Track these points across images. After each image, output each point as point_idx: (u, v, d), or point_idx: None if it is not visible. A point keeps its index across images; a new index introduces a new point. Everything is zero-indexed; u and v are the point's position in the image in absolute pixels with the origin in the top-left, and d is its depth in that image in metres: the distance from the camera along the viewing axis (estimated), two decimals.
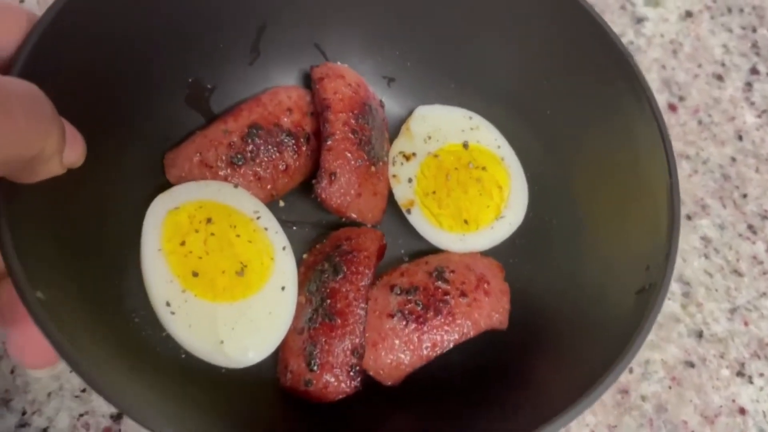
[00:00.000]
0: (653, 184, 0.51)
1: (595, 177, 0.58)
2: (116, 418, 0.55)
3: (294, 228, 0.63)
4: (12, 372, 0.56)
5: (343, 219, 0.62)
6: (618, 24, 0.86)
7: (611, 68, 0.56)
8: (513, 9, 0.62)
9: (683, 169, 0.78)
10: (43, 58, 0.46)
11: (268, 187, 0.61)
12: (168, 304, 0.51)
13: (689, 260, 0.72)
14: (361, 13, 0.66)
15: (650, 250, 0.49)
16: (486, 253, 0.62)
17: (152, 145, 0.60)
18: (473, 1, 0.63)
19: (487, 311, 0.56)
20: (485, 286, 0.57)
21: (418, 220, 0.62)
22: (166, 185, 0.58)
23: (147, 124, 0.59)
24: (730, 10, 0.89)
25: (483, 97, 0.67)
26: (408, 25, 0.66)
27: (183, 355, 0.53)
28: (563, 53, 0.60)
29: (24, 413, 0.55)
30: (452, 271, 0.58)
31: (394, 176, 0.64)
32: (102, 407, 0.55)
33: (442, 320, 0.55)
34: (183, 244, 0.53)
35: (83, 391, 0.56)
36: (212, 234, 0.54)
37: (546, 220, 0.62)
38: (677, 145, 0.79)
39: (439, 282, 0.57)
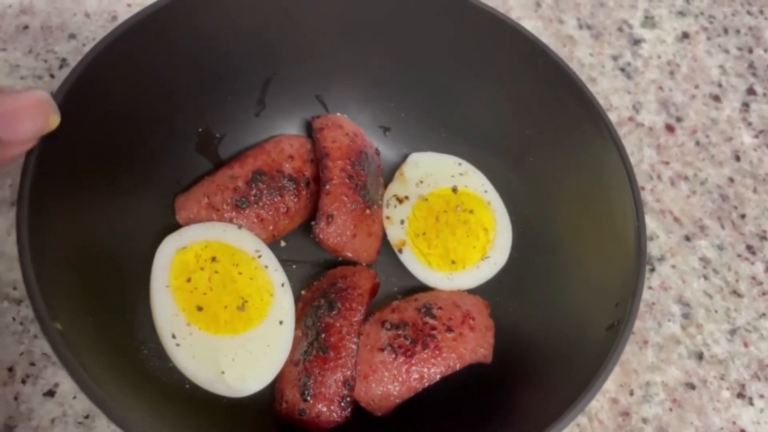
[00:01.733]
0: (623, 225, 0.55)
1: (573, 219, 0.63)
2: None
3: (294, 266, 0.68)
4: (15, 399, 0.58)
5: (340, 258, 0.67)
6: (615, 46, 0.89)
7: (580, 113, 0.61)
8: (497, 67, 0.67)
9: (681, 190, 0.79)
10: (71, 111, 0.52)
11: (270, 228, 0.66)
12: (174, 336, 0.55)
13: (689, 281, 0.74)
14: (360, 69, 0.71)
15: (620, 287, 0.53)
16: (473, 291, 0.66)
17: (164, 189, 0.66)
18: (462, 59, 0.68)
19: (473, 345, 0.60)
20: (471, 321, 0.61)
21: (409, 259, 0.66)
22: (176, 226, 0.63)
23: (160, 170, 0.65)
24: (726, 31, 0.93)
25: (471, 145, 0.71)
26: (402, 80, 0.72)
27: (187, 386, 0.57)
28: (541, 104, 0.65)
29: None
30: (440, 308, 0.61)
31: (387, 218, 0.68)
32: None
33: (429, 354, 0.58)
34: (189, 280, 0.58)
35: (86, 417, 0.58)
36: (216, 272, 0.59)
37: (529, 260, 0.66)
38: (675, 166, 0.81)
39: (427, 318, 0.61)
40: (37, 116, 0.41)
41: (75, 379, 0.42)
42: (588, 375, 0.48)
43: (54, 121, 0.43)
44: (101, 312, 0.53)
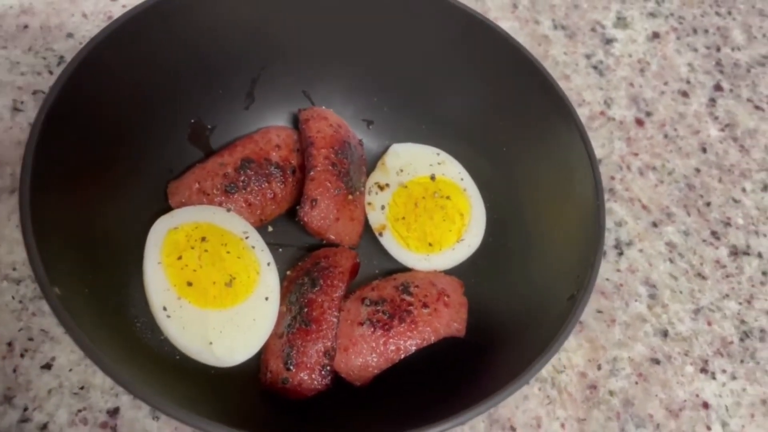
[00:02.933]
0: (585, 204, 0.59)
1: (541, 204, 0.67)
2: (112, 413, 0.61)
3: (280, 250, 0.72)
4: (14, 371, 0.61)
5: (324, 241, 0.70)
6: (589, 45, 0.94)
7: (549, 107, 0.65)
8: (474, 64, 0.71)
9: (650, 179, 0.84)
10: (68, 103, 0.56)
11: (258, 212, 0.69)
12: (165, 309, 0.59)
13: (655, 264, 0.77)
14: (344, 66, 0.75)
15: (580, 262, 0.57)
16: (449, 272, 0.70)
17: (158, 176, 0.69)
18: (441, 57, 0.72)
19: (447, 320, 0.63)
20: (445, 298, 0.65)
21: (389, 242, 0.70)
22: (169, 210, 0.67)
23: (154, 158, 0.69)
24: (695, 31, 0.97)
25: (449, 137, 0.76)
26: (385, 77, 0.76)
27: (177, 357, 0.60)
28: (514, 98, 0.69)
29: (26, 409, 0.60)
30: (416, 286, 0.65)
31: (369, 204, 0.72)
32: (99, 403, 0.61)
33: (406, 327, 0.62)
34: (180, 258, 0.61)
35: (81, 388, 0.61)
36: (206, 250, 0.62)
37: (501, 243, 0.70)
38: (644, 157, 0.85)
39: (405, 295, 0.64)
40: None
41: (71, 335, 0.45)
42: (548, 340, 0.51)
43: None
44: (97, 285, 0.56)
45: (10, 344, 0.63)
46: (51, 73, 0.80)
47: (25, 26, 0.83)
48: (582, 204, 0.60)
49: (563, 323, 0.52)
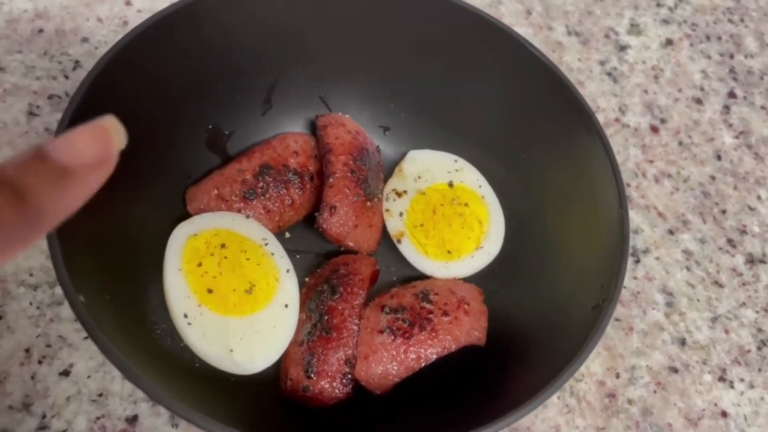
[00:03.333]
0: (607, 214, 0.59)
1: (562, 211, 0.66)
2: (131, 420, 0.61)
3: (298, 256, 0.71)
4: (32, 378, 0.61)
5: (342, 248, 0.70)
6: (602, 51, 0.94)
7: (569, 113, 0.65)
8: (492, 70, 0.71)
9: (665, 187, 0.84)
10: (91, 106, 0.56)
11: (276, 219, 0.69)
12: (185, 316, 0.58)
13: (672, 272, 0.77)
14: (361, 72, 0.75)
15: (604, 270, 0.56)
16: (468, 279, 0.70)
17: (176, 182, 0.69)
18: (459, 63, 0.72)
19: (467, 329, 0.63)
20: (465, 306, 0.64)
21: (408, 249, 0.70)
22: (187, 216, 0.67)
23: (172, 164, 0.68)
24: (708, 38, 0.97)
25: (467, 143, 0.75)
26: (402, 82, 0.76)
27: (197, 364, 0.60)
28: (533, 105, 0.69)
29: (44, 416, 0.60)
30: (436, 294, 0.65)
31: (387, 210, 0.72)
32: (117, 410, 0.61)
33: (426, 336, 0.62)
34: (200, 265, 0.61)
35: (100, 395, 0.61)
36: (225, 257, 0.62)
37: (520, 250, 0.70)
38: (659, 165, 0.85)
39: (424, 303, 0.64)
40: (97, 136, 0.35)
41: (95, 340, 0.45)
42: (574, 350, 0.51)
43: (119, 140, 0.37)
44: (118, 292, 0.56)
45: (27, 351, 0.63)
46: (66, 77, 0.80)
47: (40, 30, 0.83)
48: (604, 212, 0.60)
49: (589, 334, 0.51)
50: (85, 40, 0.83)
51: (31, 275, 0.66)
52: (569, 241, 0.64)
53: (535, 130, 0.70)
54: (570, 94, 0.65)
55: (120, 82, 0.60)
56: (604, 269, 0.56)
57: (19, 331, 0.63)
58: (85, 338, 0.63)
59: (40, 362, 0.62)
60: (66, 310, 0.65)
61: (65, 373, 0.62)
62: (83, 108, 0.55)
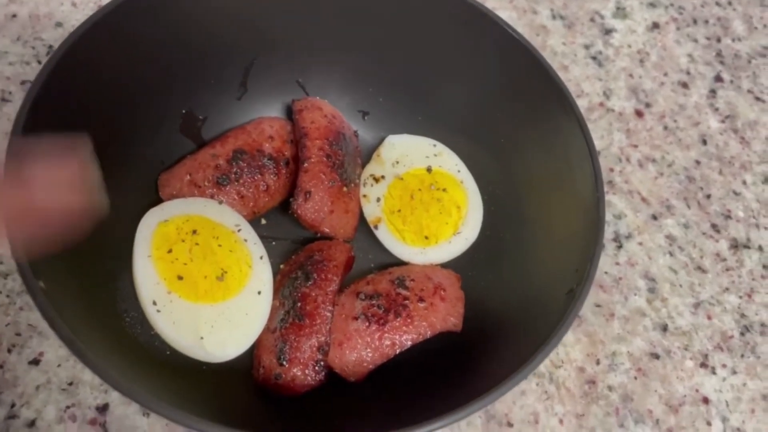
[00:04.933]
0: (584, 196, 0.58)
1: (540, 196, 0.65)
2: (102, 409, 0.60)
3: (273, 243, 0.70)
4: (1, 367, 0.60)
5: (318, 234, 0.69)
6: (587, 35, 0.92)
7: (549, 97, 0.64)
8: (471, 53, 0.70)
9: (649, 172, 0.82)
10: (54, 92, 0.54)
11: (251, 204, 0.68)
12: (154, 303, 0.57)
13: (655, 258, 0.76)
14: (339, 56, 0.74)
15: (579, 255, 0.55)
16: (446, 265, 0.69)
17: (148, 167, 0.68)
18: (438, 47, 0.71)
19: (443, 315, 0.62)
20: (442, 292, 0.63)
21: (385, 235, 0.69)
22: (159, 202, 0.66)
23: (145, 149, 0.67)
24: (695, 21, 0.96)
25: (445, 128, 0.74)
26: (380, 67, 0.74)
27: (168, 352, 0.59)
28: (512, 88, 0.68)
29: (13, 405, 0.59)
30: (412, 280, 0.64)
31: (364, 196, 0.71)
32: (88, 399, 0.60)
33: (401, 322, 0.61)
34: (170, 251, 0.60)
35: (70, 384, 0.60)
36: (197, 243, 0.61)
37: (499, 236, 0.69)
38: (644, 149, 0.84)
39: (400, 289, 0.63)
40: None
41: (55, 329, 0.44)
42: (547, 334, 0.50)
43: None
44: (85, 278, 0.55)
45: None
46: (39, 62, 0.78)
47: (14, 15, 0.81)
48: (582, 196, 0.59)
49: (562, 318, 0.50)
50: (59, 24, 0.82)
51: (1, 263, 0.65)
52: (546, 226, 0.63)
53: (515, 114, 0.69)
54: (549, 78, 0.64)
55: (87, 66, 0.58)
56: (579, 254, 0.56)
57: None
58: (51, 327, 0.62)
59: (9, 351, 0.61)
60: None
61: (35, 362, 0.61)
62: (46, 93, 0.54)
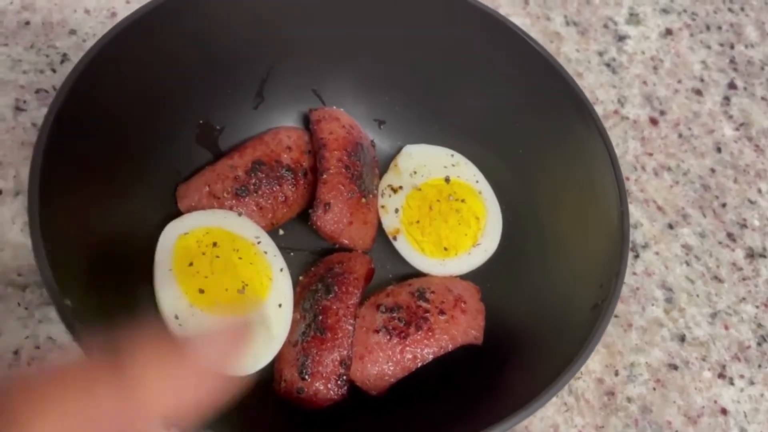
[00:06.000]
0: (607, 210, 0.58)
1: (560, 207, 0.65)
2: None
3: (292, 254, 0.70)
4: None
5: (337, 245, 0.69)
6: (601, 42, 0.92)
7: (568, 107, 0.63)
8: (488, 62, 0.69)
9: (665, 180, 0.82)
10: (77, 102, 0.54)
11: (269, 216, 0.68)
12: (177, 317, 0.57)
13: (671, 267, 0.76)
14: (355, 65, 0.74)
15: (604, 269, 0.55)
16: (465, 277, 0.69)
17: (166, 179, 0.68)
18: (454, 55, 0.70)
19: (464, 328, 0.62)
20: (462, 305, 0.63)
21: (403, 246, 0.69)
22: (178, 214, 0.65)
23: (162, 161, 0.67)
24: (708, 28, 0.96)
25: (463, 138, 0.74)
26: (397, 75, 0.74)
27: None
28: (530, 98, 0.68)
29: None
30: (432, 292, 0.64)
31: (382, 207, 0.71)
32: None
33: (423, 335, 0.61)
34: (191, 264, 0.60)
35: None
36: (217, 256, 0.61)
37: (518, 247, 0.69)
38: (659, 157, 0.84)
39: (421, 301, 0.63)
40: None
41: (84, 349, 0.44)
42: (573, 352, 0.50)
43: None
44: (107, 293, 0.55)
45: (16, 352, 0.61)
46: (54, 71, 0.78)
47: (27, 23, 0.81)
48: (604, 209, 0.59)
49: (588, 335, 0.50)
50: (72, 32, 0.81)
51: (19, 275, 0.65)
52: (568, 239, 0.63)
53: (533, 123, 0.68)
54: (568, 87, 0.64)
55: (107, 76, 0.58)
56: (603, 268, 0.55)
57: (7, 333, 0.62)
58: (74, 340, 0.62)
59: (29, 364, 0.61)
60: (55, 311, 0.63)
61: None
62: (69, 103, 0.54)
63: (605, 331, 0.59)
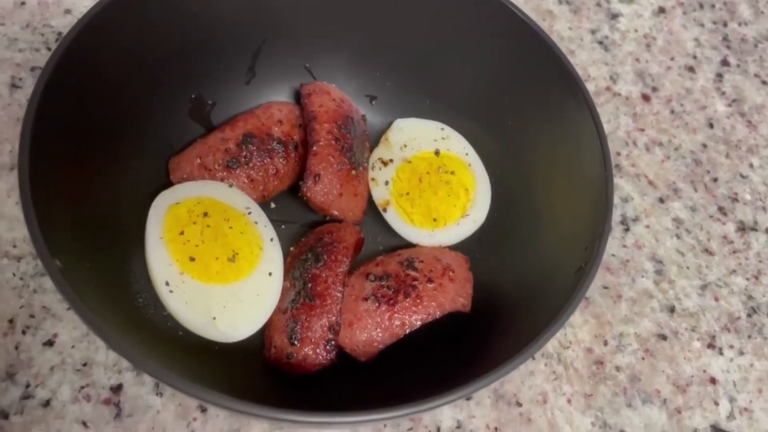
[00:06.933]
0: (593, 176, 0.58)
1: (548, 176, 0.66)
2: (116, 389, 0.61)
3: (283, 226, 0.71)
4: (16, 348, 0.61)
5: (327, 217, 0.70)
6: (594, 20, 0.92)
7: (557, 80, 0.64)
8: (479, 37, 0.70)
9: (656, 155, 0.82)
10: (65, 76, 0.55)
11: (260, 188, 0.69)
12: (167, 284, 0.58)
13: (662, 240, 0.77)
14: (347, 41, 0.74)
15: (588, 233, 0.56)
16: (454, 247, 0.69)
17: (159, 152, 0.68)
18: (446, 31, 0.71)
19: (452, 295, 0.63)
20: (450, 273, 0.64)
21: (393, 218, 0.69)
22: (170, 185, 0.66)
23: (155, 134, 0.68)
24: (702, 6, 0.96)
25: (453, 111, 0.74)
26: (388, 51, 0.75)
27: (181, 332, 0.60)
28: (520, 71, 0.68)
29: (28, 386, 0.59)
30: (421, 261, 0.65)
31: (372, 179, 0.71)
32: (102, 380, 0.61)
33: (411, 302, 0.61)
34: (182, 233, 0.60)
35: (84, 365, 0.61)
36: (208, 226, 0.62)
37: (508, 218, 0.69)
38: (650, 133, 0.84)
39: (409, 270, 0.64)
40: None
41: (74, 307, 0.45)
42: (555, 312, 0.51)
43: None
44: (99, 261, 0.56)
45: (11, 321, 0.62)
46: (49, 49, 0.79)
47: (23, 2, 0.82)
48: (590, 176, 0.59)
49: (570, 296, 0.51)
50: (68, 11, 0.82)
51: (14, 246, 0.66)
52: (555, 207, 0.64)
53: (523, 97, 0.69)
54: (557, 60, 0.64)
55: (97, 50, 0.59)
56: (588, 232, 0.56)
57: (3, 302, 0.63)
58: (69, 309, 0.63)
59: (23, 332, 0.62)
60: (50, 281, 0.64)
61: (49, 343, 0.62)
62: (57, 77, 0.54)
63: (594, 300, 0.60)
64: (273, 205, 0.72)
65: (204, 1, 0.66)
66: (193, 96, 0.71)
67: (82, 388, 0.60)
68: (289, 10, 0.71)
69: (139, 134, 0.66)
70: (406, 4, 0.71)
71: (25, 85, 0.75)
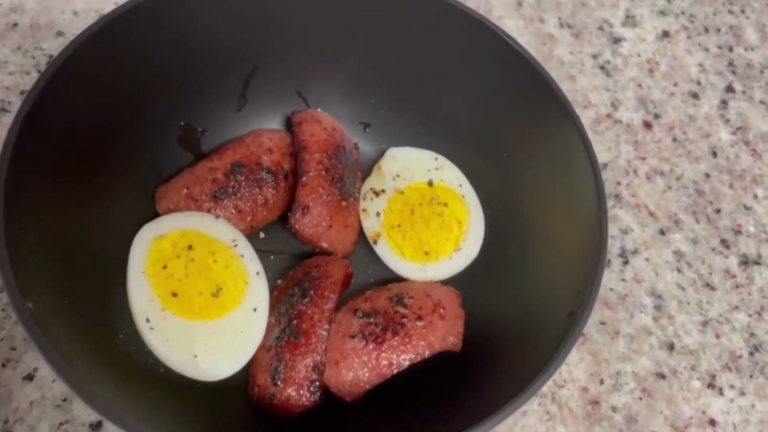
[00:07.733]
0: (587, 216, 0.57)
1: (542, 212, 0.64)
2: (95, 427, 0.59)
3: (272, 257, 0.69)
4: None
5: (317, 249, 0.68)
6: (596, 44, 0.90)
7: (550, 111, 0.62)
8: (474, 65, 0.68)
9: (657, 185, 0.80)
10: (50, 104, 0.54)
11: (248, 219, 0.67)
12: (148, 320, 0.56)
13: (662, 274, 0.74)
14: (341, 67, 0.73)
15: (581, 277, 0.54)
16: (446, 282, 0.67)
17: (146, 180, 0.67)
18: (440, 58, 0.70)
19: (442, 334, 0.61)
20: (441, 310, 0.62)
21: (384, 250, 0.68)
22: (156, 216, 0.65)
23: (142, 161, 0.66)
24: (707, 30, 0.94)
25: (448, 141, 0.73)
26: (382, 78, 0.73)
27: (162, 370, 0.58)
28: (514, 101, 0.66)
29: (6, 422, 0.58)
30: (411, 297, 0.63)
31: (364, 210, 0.70)
32: (82, 416, 0.59)
33: (399, 341, 0.60)
34: (165, 267, 0.59)
35: (64, 400, 0.60)
36: (192, 259, 0.60)
37: (500, 252, 0.67)
38: (652, 162, 0.82)
39: (398, 306, 0.62)
40: None
41: (45, 356, 0.43)
42: (547, 357, 0.49)
43: None
44: (78, 296, 0.54)
45: None
46: (39, 72, 0.78)
47: (15, 24, 0.81)
48: (584, 215, 0.58)
49: (562, 341, 0.49)
50: (60, 33, 0.81)
51: None
52: (548, 244, 0.62)
53: (518, 128, 0.67)
54: (550, 90, 0.63)
55: (84, 76, 0.58)
56: (581, 275, 0.54)
57: None
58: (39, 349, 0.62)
59: (3, 366, 0.61)
60: None
61: (29, 378, 0.61)
62: (41, 104, 0.53)
63: (590, 337, 0.58)
64: (262, 235, 0.70)
65: (195, 28, 0.65)
66: (182, 123, 0.70)
67: (61, 424, 0.59)
68: (283, 36, 0.70)
69: (127, 161, 0.65)
70: (402, 32, 0.69)
71: (13, 109, 0.74)
